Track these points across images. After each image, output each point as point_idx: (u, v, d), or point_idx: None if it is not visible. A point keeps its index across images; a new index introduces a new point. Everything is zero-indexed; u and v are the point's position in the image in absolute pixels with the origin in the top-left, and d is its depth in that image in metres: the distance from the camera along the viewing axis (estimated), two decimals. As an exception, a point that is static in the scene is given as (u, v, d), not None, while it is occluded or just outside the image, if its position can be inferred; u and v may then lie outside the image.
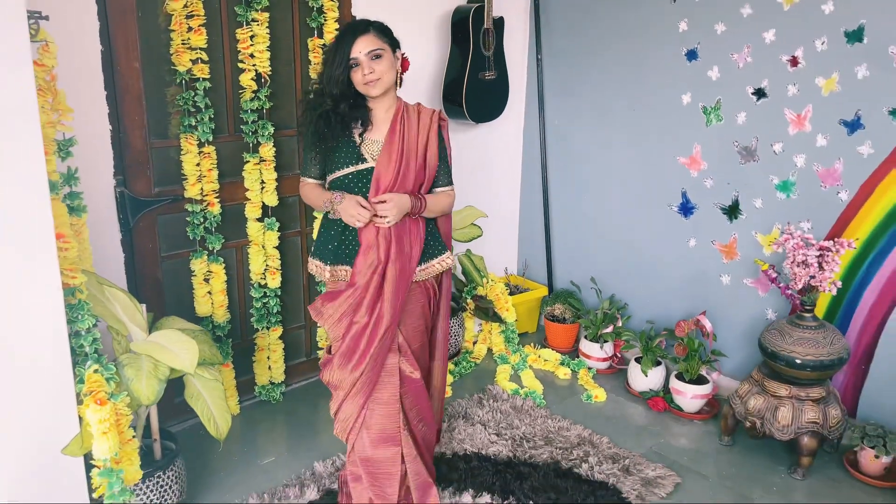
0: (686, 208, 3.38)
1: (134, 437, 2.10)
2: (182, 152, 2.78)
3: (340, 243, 2.31)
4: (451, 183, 2.44)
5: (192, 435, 2.95)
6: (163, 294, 2.87)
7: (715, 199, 3.26)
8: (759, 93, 3.02)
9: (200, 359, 2.19)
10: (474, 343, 3.81)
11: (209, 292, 2.95)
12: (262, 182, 3.00)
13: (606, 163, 3.70)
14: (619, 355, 3.63)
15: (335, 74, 2.16)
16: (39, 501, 1.99)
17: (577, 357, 3.70)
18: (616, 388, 3.46)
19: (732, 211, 3.20)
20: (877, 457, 2.68)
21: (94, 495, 2.04)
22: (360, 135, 2.27)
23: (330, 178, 2.31)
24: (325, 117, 2.19)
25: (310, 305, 2.41)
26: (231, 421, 2.33)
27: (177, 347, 2.12)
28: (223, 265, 2.96)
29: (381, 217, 2.20)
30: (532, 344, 3.88)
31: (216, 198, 2.89)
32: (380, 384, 2.32)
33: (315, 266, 2.39)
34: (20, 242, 1.81)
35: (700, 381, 3.19)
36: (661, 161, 3.44)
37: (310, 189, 2.37)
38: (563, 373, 3.56)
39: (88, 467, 2.06)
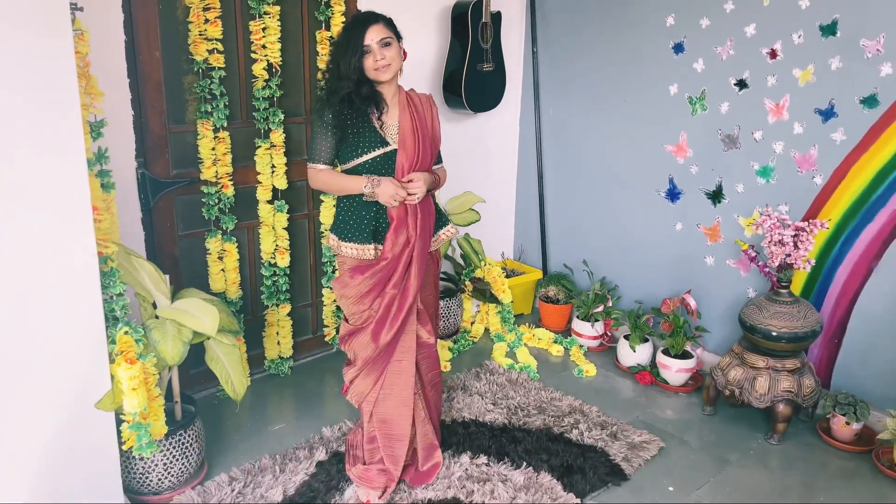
0: (673, 194, 3.57)
1: (160, 394, 2.29)
2: (198, 137, 2.96)
3: (378, 223, 2.46)
4: (440, 159, 2.67)
5: (207, 404, 3.14)
6: (179, 270, 3.05)
7: (700, 184, 3.45)
8: (741, 84, 3.21)
9: (220, 325, 2.37)
10: (472, 323, 4.00)
11: (223, 270, 3.13)
12: (273, 166, 3.18)
13: (598, 151, 3.89)
14: (609, 334, 3.83)
15: (352, 60, 2.32)
16: (74, 451, 2.17)
17: (570, 336, 3.90)
18: (606, 364, 3.65)
19: (716, 196, 3.39)
20: (847, 423, 2.88)
21: (124, 447, 2.23)
22: (379, 118, 2.43)
23: (354, 162, 2.42)
24: (349, 100, 2.35)
25: (334, 280, 2.57)
26: (247, 383, 2.51)
27: (199, 313, 2.30)
28: (236, 244, 3.14)
29: (411, 195, 2.40)
30: (527, 324, 4.07)
31: (230, 180, 3.07)
32: (398, 353, 2.50)
33: (356, 249, 2.45)
34: (63, 213, 1.99)
35: (685, 356, 3.38)
36: (649, 149, 3.62)
37: (328, 175, 2.43)
38: (556, 350, 3.76)
39: (119, 422, 2.25)
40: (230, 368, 2.45)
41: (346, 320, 2.56)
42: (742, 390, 2.98)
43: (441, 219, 2.65)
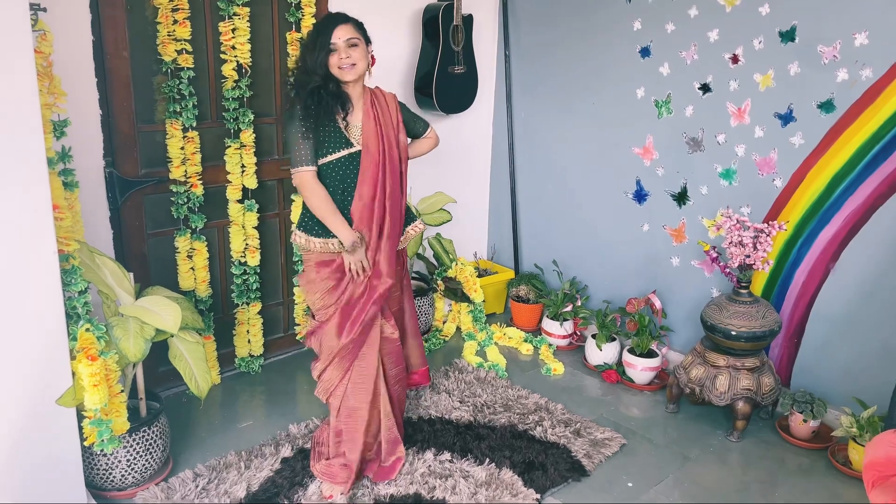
0: (640, 195, 3.63)
1: (122, 391, 2.31)
2: (167, 136, 2.98)
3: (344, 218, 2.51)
4: (427, 125, 2.73)
5: (175, 402, 3.16)
6: (148, 269, 3.08)
7: (666, 186, 3.51)
8: (705, 87, 3.27)
9: (183, 322, 2.40)
10: (444, 322, 4.05)
11: (192, 268, 3.16)
12: (243, 166, 3.21)
13: (569, 152, 3.94)
14: (579, 333, 3.88)
15: (319, 56, 2.36)
16: (35, 447, 2.19)
17: (540, 335, 3.94)
18: (574, 363, 3.70)
19: (681, 197, 3.45)
20: (804, 421, 2.94)
21: (86, 443, 2.25)
22: (344, 118, 2.47)
23: (320, 162, 2.46)
24: (316, 94, 2.38)
25: (299, 275, 2.62)
26: (211, 380, 2.54)
27: (161, 310, 2.33)
28: (205, 243, 3.16)
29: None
30: (499, 323, 4.11)
31: (199, 180, 3.09)
32: (365, 347, 2.55)
33: (323, 243, 2.49)
34: (22, 211, 2.01)
35: (650, 354, 3.44)
36: (617, 151, 3.68)
37: (322, 200, 2.40)
38: (526, 349, 3.80)
39: (80, 418, 2.27)
40: (194, 365, 2.48)
41: (313, 316, 2.60)
42: (703, 388, 3.03)
43: (408, 215, 2.70)
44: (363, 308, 2.48)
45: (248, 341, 3.45)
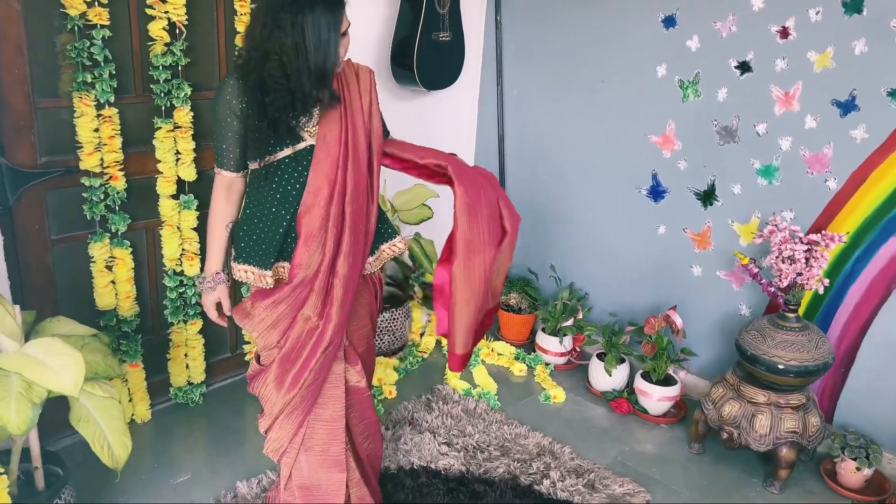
0: (656, 192, 3.09)
1: (3, 473, 1.68)
2: (76, 115, 2.32)
3: (287, 241, 1.90)
4: (388, 131, 2.12)
5: (87, 451, 2.48)
6: (54, 285, 2.42)
7: (689, 182, 2.98)
8: (744, 66, 2.73)
9: (91, 373, 1.79)
10: (422, 334, 3.47)
11: (112, 282, 2.52)
12: (178, 152, 2.58)
13: (570, 138, 3.37)
14: (579, 350, 3.35)
15: (332, 54, 1.72)
16: None
17: (533, 351, 3.41)
18: (575, 387, 3.17)
19: (707, 196, 2.93)
20: (858, 469, 2.48)
21: (-52, 549, 1.63)
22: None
23: (255, 165, 1.88)
24: (290, 107, 1.75)
25: (234, 308, 2.00)
26: (130, 445, 1.92)
27: (57, 363, 1.69)
28: (129, 250, 2.53)
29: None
30: (485, 336, 3.55)
31: (120, 170, 2.45)
32: (322, 398, 1.97)
33: (248, 273, 1.92)
34: None
35: (667, 381, 2.94)
36: (630, 139, 3.13)
37: (216, 209, 1.95)
38: (519, 369, 3.26)
39: (-61, 515, 1.64)
40: (106, 428, 1.86)
41: (258, 359, 2.00)
42: (740, 430, 2.54)
43: (385, 229, 2.09)
44: (311, 354, 1.88)
45: (187, 366, 2.83)
